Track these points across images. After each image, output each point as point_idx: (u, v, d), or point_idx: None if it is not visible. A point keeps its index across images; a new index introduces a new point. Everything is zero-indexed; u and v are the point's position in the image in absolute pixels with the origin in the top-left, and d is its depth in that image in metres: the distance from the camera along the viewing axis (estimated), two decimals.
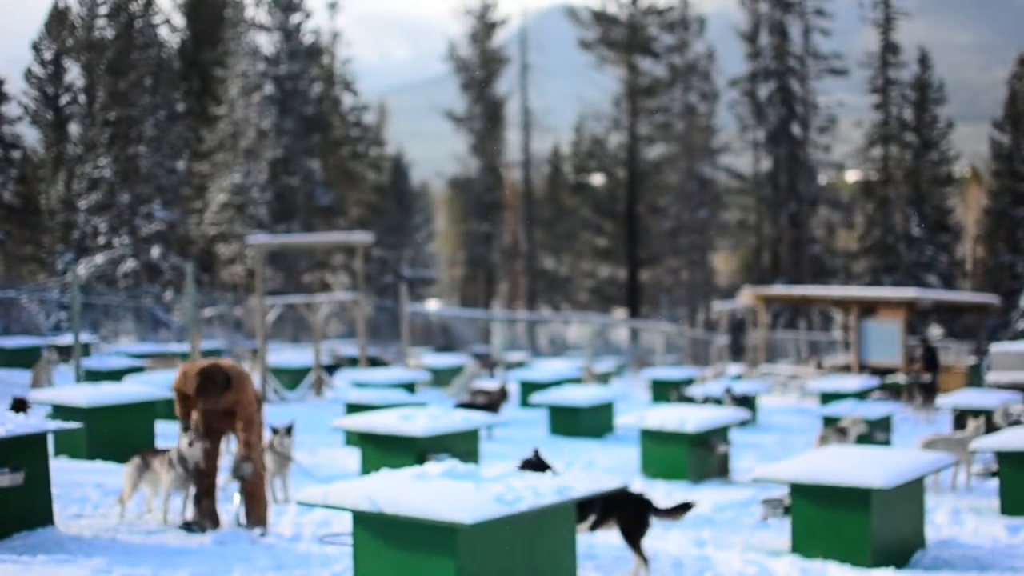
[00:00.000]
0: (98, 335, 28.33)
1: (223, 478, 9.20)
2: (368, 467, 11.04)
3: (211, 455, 8.28)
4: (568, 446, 15.65)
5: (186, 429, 8.21)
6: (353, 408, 15.10)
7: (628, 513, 7.47)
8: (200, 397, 7.95)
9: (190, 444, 8.13)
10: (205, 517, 8.19)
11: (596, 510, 7.49)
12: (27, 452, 7.87)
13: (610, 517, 7.52)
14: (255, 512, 8.24)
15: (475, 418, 11.95)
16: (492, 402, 16.95)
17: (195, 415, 8.24)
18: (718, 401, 18.78)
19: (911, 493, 8.80)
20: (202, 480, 8.25)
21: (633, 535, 7.42)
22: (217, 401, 8.03)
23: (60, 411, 11.40)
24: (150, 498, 8.66)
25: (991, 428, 13.61)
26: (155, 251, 34.88)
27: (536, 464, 7.92)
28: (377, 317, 40.55)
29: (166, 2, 60.09)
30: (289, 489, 9.91)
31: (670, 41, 54.91)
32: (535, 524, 6.18)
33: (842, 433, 13.34)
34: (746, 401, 19.16)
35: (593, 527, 7.57)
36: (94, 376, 17.62)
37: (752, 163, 53.08)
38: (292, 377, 21.93)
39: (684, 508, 7.70)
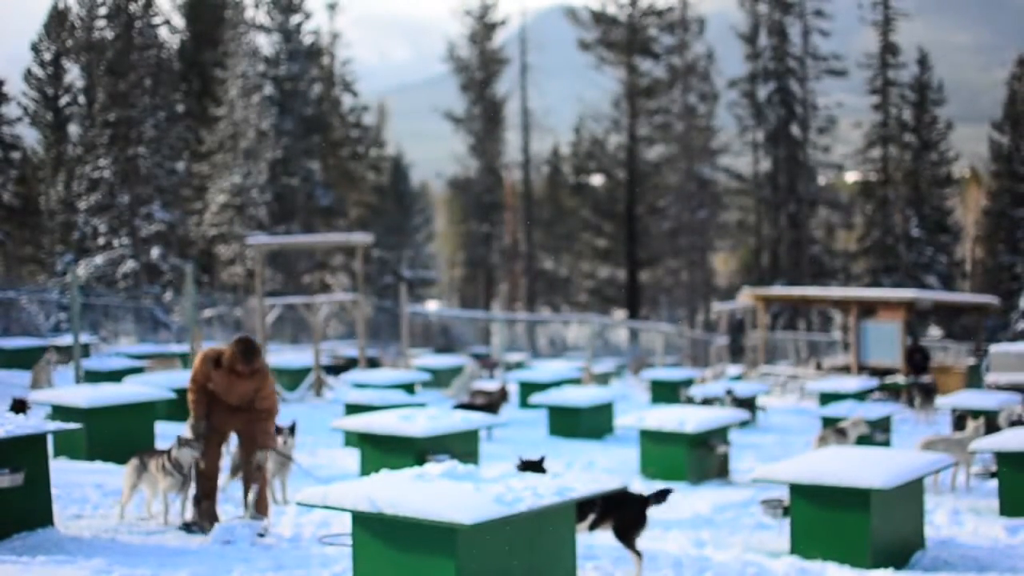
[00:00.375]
0: (98, 336, 28.30)
1: (223, 478, 9.19)
2: (368, 468, 11.02)
3: (211, 456, 8.26)
4: (568, 447, 15.66)
5: (197, 436, 8.13)
6: (352, 409, 15.08)
7: (626, 512, 7.50)
8: (244, 364, 7.94)
9: (190, 448, 8.10)
10: (205, 518, 8.18)
11: (595, 510, 7.50)
12: (27, 453, 7.86)
13: (609, 517, 7.54)
14: (258, 509, 8.23)
15: (475, 419, 11.93)
16: (492, 403, 16.92)
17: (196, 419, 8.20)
18: (722, 402, 18.81)
19: (911, 494, 8.81)
20: (202, 482, 8.23)
21: (628, 533, 7.46)
22: (252, 373, 8.01)
23: (60, 412, 11.39)
24: (149, 500, 8.64)
25: (991, 429, 13.61)
26: (155, 252, 34.89)
27: (535, 465, 7.92)
28: (377, 318, 40.52)
29: (166, 3, 60.12)
30: (288, 491, 9.90)
31: (670, 42, 54.90)
32: (535, 524, 6.18)
33: (841, 434, 13.34)
34: (747, 402, 19.17)
35: (592, 527, 7.58)
36: (94, 377, 17.59)
37: (752, 164, 53.08)
38: (292, 378, 21.92)
39: (664, 493, 7.76)
